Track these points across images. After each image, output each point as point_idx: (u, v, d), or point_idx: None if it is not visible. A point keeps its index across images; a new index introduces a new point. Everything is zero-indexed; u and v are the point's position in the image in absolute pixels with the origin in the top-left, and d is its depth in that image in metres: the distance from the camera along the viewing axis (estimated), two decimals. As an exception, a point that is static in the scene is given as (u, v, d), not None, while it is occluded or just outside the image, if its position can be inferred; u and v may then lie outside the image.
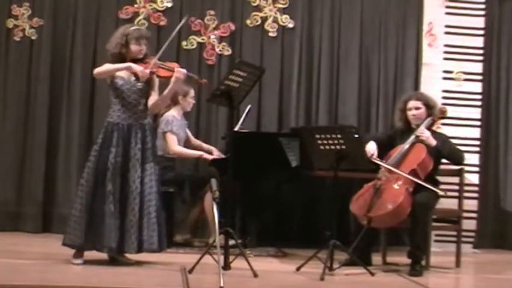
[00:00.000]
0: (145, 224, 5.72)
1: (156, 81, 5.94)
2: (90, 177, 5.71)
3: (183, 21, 5.99)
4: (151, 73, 5.82)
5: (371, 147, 6.20)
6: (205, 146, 7.47)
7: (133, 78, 5.83)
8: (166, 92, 5.89)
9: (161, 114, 7.27)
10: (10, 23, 7.86)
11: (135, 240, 5.68)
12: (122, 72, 5.81)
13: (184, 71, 5.90)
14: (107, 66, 5.82)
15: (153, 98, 5.90)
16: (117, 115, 5.80)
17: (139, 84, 5.82)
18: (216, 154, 7.28)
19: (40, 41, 7.87)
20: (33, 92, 7.84)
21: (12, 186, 7.78)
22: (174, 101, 7.27)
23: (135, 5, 7.95)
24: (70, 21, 7.86)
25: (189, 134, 7.44)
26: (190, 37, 7.98)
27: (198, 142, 7.50)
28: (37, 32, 7.87)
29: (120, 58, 5.84)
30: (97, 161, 5.73)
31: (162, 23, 7.95)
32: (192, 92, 7.33)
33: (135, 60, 5.85)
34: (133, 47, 5.84)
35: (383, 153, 6.23)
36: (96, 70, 5.89)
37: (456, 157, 6.27)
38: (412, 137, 6.19)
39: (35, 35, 7.87)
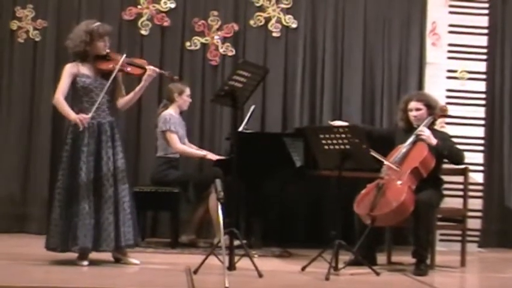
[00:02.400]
0: (121, 221, 5.74)
1: (121, 77, 5.96)
2: (65, 179, 5.71)
3: (122, 58, 5.86)
4: (120, 71, 5.83)
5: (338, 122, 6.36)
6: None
7: (99, 76, 5.83)
8: (137, 89, 5.92)
9: (158, 114, 7.27)
10: (14, 24, 7.88)
11: (113, 238, 5.70)
12: (87, 69, 5.81)
13: (155, 68, 5.97)
14: (61, 107, 5.80)
15: (120, 95, 5.94)
16: (86, 114, 5.77)
17: (105, 82, 5.80)
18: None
19: (44, 42, 7.88)
20: (38, 94, 7.85)
21: (17, 188, 7.79)
22: (170, 100, 7.28)
23: (139, 6, 7.96)
24: (74, 23, 7.78)
25: (185, 138, 7.40)
26: (194, 38, 7.98)
27: (194, 148, 7.45)
28: (41, 34, 7.88)
29: (84, 55, 5.82)
30: (70, 162, 5.72)
31: (165, 24, 7.95)
32: (187, 90, 7.32)
33: (99, 57, 5.86)
34: (99, 44, 5.84)
35: (382, 148, 6.20)
36: (56, 101, 5.82)
37: (456, 157, 6.25)
38: (413, 137, 6.18)
39: (38, 36, 7.88)
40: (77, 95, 5.85)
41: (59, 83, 5.86)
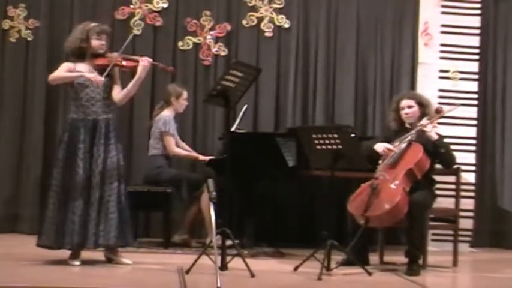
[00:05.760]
0: (103, 219, 5.71)
1: (117, 73, 5.98)
2: (61, 177, 5.70)
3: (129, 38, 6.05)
4: (115, 65, 5.86)
5: (381, 145, 6.21)
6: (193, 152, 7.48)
7: (95, 73, 5.83)
8: (134, 81, 5.92)
9: (155, 115, 7.28)
10: (6, 24, 7.85)
11: (92, 236, 5.68)
12: (83, 67, 5.83)
13: (149, 59, 5.99)
14: (61, 74, 5.82)
15: (117, 91, 5.93)
16: (82, 111, 5.79)
17: (104, 80, 5.84)
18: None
19: (36, 42, 7.86)
20: (30, 94, 7.83)
21: (9, 187, 7.77)
22: (167, 102, 7.29)
23: (131, 6, 7.95)
24: (66, 23, 7.84)
25: (178, 138, 7.42)
26: (186, 37, 7.98)
27: (186, 147, 7.47)
28: (33, 33, 7.86)
29: (80, 53, 5.85)
30: (66, 159, 5.72)
31: (158, 24, 7.94)
32: (185, 94, 7.34)
33: (96, 55, 5.88)
34: (94, 42, 5.87)
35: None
36: (52, 76, 5.85)
37: (450, 158, 6.24)
38: (412, 132, 6.14)
39: (30, 36, 7.86)
40: (74, 93, 5.85)
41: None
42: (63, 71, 5.85)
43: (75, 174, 5.68)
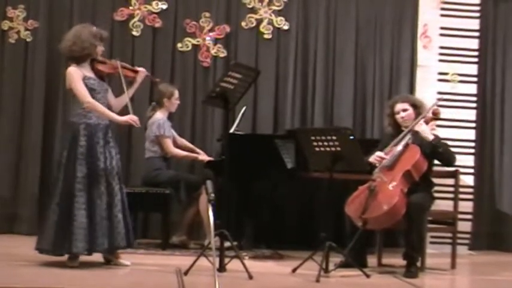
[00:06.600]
0: (126, 220, 5.78)
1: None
2: (85, 181, 5.67)
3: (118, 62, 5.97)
4: (124, 76, 5.92)
5: (373, 156, 6.20)
6: (192, 147, 7.48)
7: (98, 79, 5.86)
8: (132, 91, 6.01)
9: (148, 117, 7.28)
10: (5, 25, 7.86)
11: (124, 237, 5.73)
12: (88, 72, 5.81)
13: (145, 70, 6.12)
14: (102, 110, 5.73)
15: (112, 97, 5.97)
16: (96, 116, 5.77)
17: (103, 83, 5.89)
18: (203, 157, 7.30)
19: (35, 43, 7.86)
20: (29, 94, 7.84)
21: (8, 188, 7.77)
22: (159, 103, 7.28)
23: (130, 7, 7.95)
24: (65, 23, 7.82)
25: (176, 134, 7.43)
26: (185, 39, 7.98)
27: (185, 143, 7.48)
28: (32, 34, 7.87)
29: (82, 59, 5.81)
30: (89, 163, 5.68)
31: (157, 25, 7.95)
32: (176, 93, 7.33)
33: (95, 60, 5.88)
34: (100, 48, 5.90)
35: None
36: (93, 105, 5.70)
37: (450, 156, 6.23)
38: (408, 137, 6.15)
39: (30, 37, 7.87)
40: None
41: (76, 91, 5.72)
42: (79, 80, 5.72)
43: (99, 178, 5.67)
